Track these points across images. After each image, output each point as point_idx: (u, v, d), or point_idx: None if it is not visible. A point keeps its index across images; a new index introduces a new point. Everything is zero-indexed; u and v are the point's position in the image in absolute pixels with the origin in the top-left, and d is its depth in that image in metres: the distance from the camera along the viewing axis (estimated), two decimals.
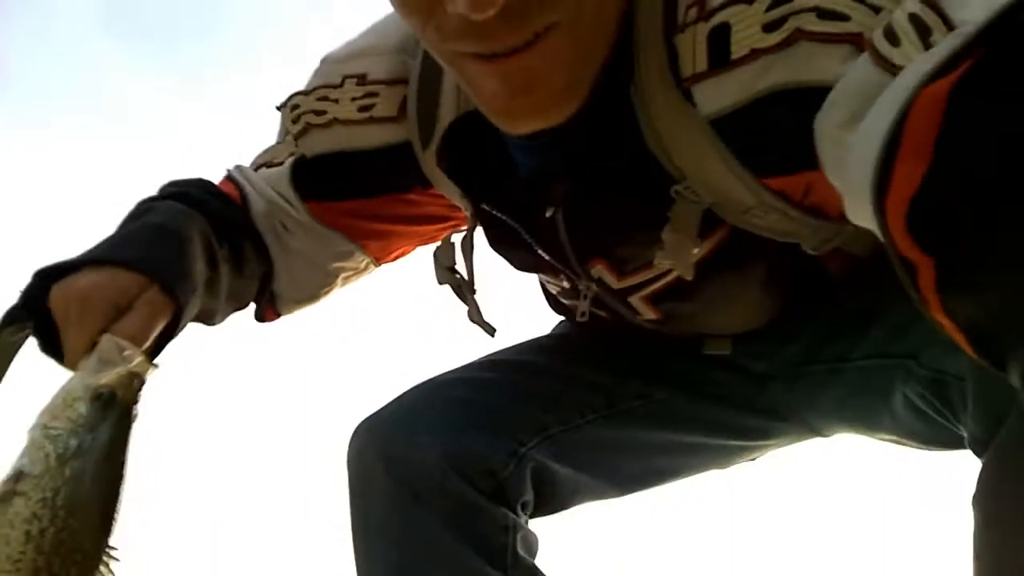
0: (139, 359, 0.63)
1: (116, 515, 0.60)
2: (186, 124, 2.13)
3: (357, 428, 0.88)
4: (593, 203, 0.71)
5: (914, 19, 0.46)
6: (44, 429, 0.59)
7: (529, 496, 0.86)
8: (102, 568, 0.58)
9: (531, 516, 0.88)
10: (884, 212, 0.41)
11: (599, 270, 0.77)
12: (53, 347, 0.68)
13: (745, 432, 0.92)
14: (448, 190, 0.81)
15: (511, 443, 0.85)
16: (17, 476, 0.57)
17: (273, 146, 0.87)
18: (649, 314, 0.82)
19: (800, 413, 0.88)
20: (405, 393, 0.91)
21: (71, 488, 0.57)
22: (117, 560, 0.59)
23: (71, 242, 0.73)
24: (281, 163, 0.84)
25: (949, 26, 0.44)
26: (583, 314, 0.82)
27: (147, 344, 0.67)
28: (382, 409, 0.89)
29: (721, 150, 0.62)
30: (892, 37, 0.47)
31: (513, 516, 0.84)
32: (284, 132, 0.84)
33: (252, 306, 0.89)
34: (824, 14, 0.53)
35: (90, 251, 0.71)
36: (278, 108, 0.84)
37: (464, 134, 0.74)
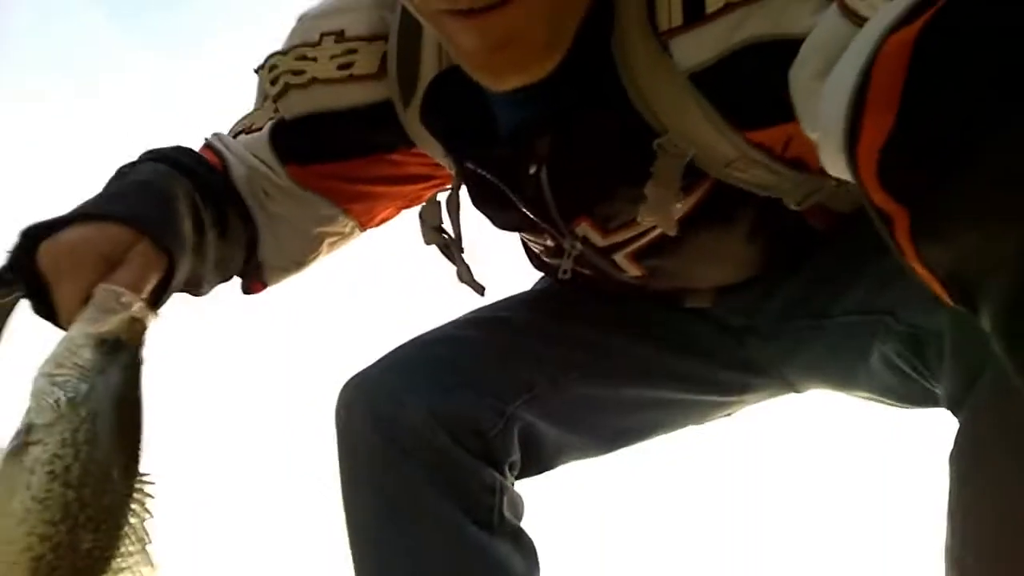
0: (138, 305, 0.60)
1: (142, 445, 0.57)
2: (176, 95, 2.11)
3: (345, 385, 0.88)
4: (576, 159, 0.71)
5: None
6: (50, 378, 0.55)
7: (516, 456, 0.86)
8: (136, 495, 0.56)
9: (517, 477, 0.88)
10: (857, 164, 0.41)
11: (584, 228, 0.77)
12: (45, 307, 0.65)
13: (724, 387, 0.92)
14: (431, 148, 0.80)
15: (497, 402, 0.85)
16: (27, 429, 0.54)
17: (252, 111, 0.85)
18: (633, 271, 0.82)
19: (778, 368, 0.89)
20: (391, 352, 0.91)
21: (90, 425, 0.54)
22: (152, 483, 0.57)
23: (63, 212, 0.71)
24: (260, 128, 0.83)
25: None
26: (565, 272, 0.82)
27: (144, 295, 0.64)
28: (369, 367, 0.89)
29: (701, 103, 0.62)
30: None
31: (500, 477, 0.84)
32: (263, 95, 0.83)
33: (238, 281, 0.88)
34: None
35: (76, 208, 0.69)
36: (256, 71, 0.82)
37: (446, 90, 0.73)
